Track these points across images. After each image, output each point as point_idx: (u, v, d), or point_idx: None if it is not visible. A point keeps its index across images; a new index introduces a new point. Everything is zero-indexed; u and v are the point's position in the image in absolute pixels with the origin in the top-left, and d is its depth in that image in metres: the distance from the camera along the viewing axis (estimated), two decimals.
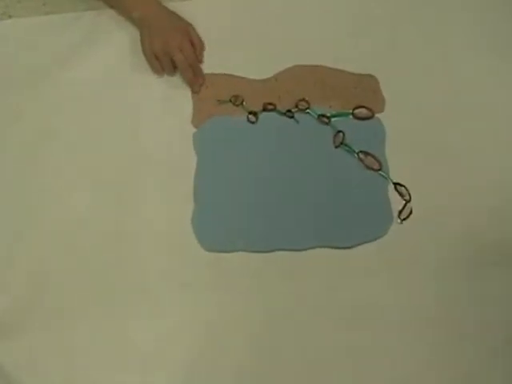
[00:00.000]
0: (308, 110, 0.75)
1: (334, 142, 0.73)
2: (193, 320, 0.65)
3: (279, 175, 0.71)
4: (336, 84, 0.76)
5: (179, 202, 0.70)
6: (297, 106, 0.75)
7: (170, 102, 0.77)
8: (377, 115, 0.74)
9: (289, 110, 0.75)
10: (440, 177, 0.70)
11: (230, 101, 0.76)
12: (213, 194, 0.71)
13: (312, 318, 0.65)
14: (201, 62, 0.79)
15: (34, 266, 0.69)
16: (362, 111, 0.74)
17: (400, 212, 0.69)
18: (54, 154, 0.74)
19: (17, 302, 0.67)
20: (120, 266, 0.68)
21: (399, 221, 0.68)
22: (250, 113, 0.75)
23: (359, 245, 0.67)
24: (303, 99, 0.75)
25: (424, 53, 0.78)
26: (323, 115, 0.74)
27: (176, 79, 0.78)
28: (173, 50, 0.75)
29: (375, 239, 0.67)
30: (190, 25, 0.79)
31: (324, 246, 0.67)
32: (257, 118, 0.75)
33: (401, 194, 0.70)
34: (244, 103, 0.76)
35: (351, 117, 0.74)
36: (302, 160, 0.72)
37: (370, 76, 0.76)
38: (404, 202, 0.69)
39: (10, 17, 0.84)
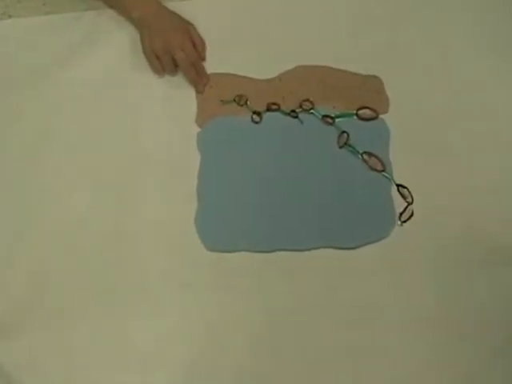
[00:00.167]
0: (312, 111, 0.75)
1: (338, 143, 0.73)
2: (193, 320, 0.65)
3: (283, 175, 0.71)
4: (340, 85, 0.76)
5: (180, 202, 0.70)
6: (301, 107, 0.75)
7: (171, 102, 0.76)
8: (381, 116, 0.74)
9: (293, 111, 0.75)
10: (444, 178, 0.70)
11: (234, 101, 0.76)
12: (216, 193, 0.71)
13: (313, 318, 0.65)
14: (203, 60, 0.78)
15: (34, 265, 0.69)
16: (366, 112, 0.74)
17: (401, 214, 0.69)
18: (53, 154, 0.74)
19: (17, 302, 0.67)
20: (120, 266, 0.68)
21: (399, 222, 0.68)
22: (254, 113, 0.75)
23: (363, 245, 0.67)
24: (307, 99, 0.75)
25: (424, 53, 0.78)
26: (327, 116, 0.74)
27: (177, 79, 0.78)
28: (174, 49, 0.75)
29: (378, 240, 0.67)
30: (191, 24, 0.79)
31: (327, 247, 0.67)
32: (261, 118, 0.75)
33: (403, 196, 0.70)
34: (248, 103, 0.76)
35: (355, 117, 0.74)
36: (306, 160, 0.72)
37: (375, 77, 0.76)
38: (406, 204, 0.69)
39: (10, 17, 0.84)
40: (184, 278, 0.67)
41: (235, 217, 0.70)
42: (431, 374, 0.62)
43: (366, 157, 0.72)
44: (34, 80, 0.79)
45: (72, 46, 0.80)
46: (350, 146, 0.72)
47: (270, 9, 0.82)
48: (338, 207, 0.69)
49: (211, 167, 0.72)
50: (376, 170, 0.71)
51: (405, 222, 0.68)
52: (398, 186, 0.70)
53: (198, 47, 0.78)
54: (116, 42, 0.80)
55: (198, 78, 0.76)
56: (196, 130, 0.75)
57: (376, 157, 0.72)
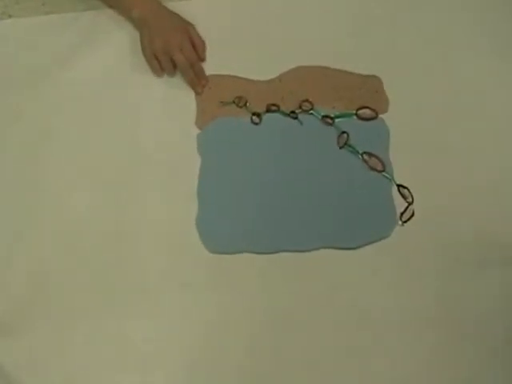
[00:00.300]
0: (312, 111, 0.74)
1: (338, 143, 0.73)
2: (193, 320, 0.65)
3: (283, 176, 0.71)
4: (340, 85, 0.76)
5: (180, 203, 0.70)
6: (300, 107, 0.75)
7: (171, 103, 0.76)
8: (381, 116, 0.74)
9: (292, 111, 0.75)
10: (444, 178, 0.70)
11: (234, 102, 0.76)
12: (217, 195, 0.71)
13: (313, 318, 0.65)
14: (203, 60, 0.78)
15: (34, 266, 0.69)
16: (366, 112, 0.74)
17: (402, 214, 0.69)
18: (53, 154, 0.74)
19: (17, 301, 0.67)
20: (120, 266, 0.68)
21: (400, 222, 0.68)
22: (254, 114, 0.75)
23: (363, 246, 0.67)
24: (307, 100, 0.75)
25: (424, 53, 0.78)
26: (327, 116, 0.74)
27: (177, 80, 0.78)
28: (172, 50, 0.75)
29: (379, 240, 0.67)
30: (191, 24, 0.79)
31: (328, 247, 0.67)
32: (260, 119, 0.75)
33: (403, 196, 0.70)
34: (248, 104, 0.75)
35: (355, 117, 0.74)
36: (306, 161, 0.72)
37: (374, 77, 0.76)
38: (406, 204, 0.69)
39: (9, 17, 0.84)
40: (184, 278, 0.67)
41: (236, 218, 0.70)
42: (431, 374, 0.62)
43: (366, 157, 0.72)
44: (34, 80, 0.79)
45: (72, 46, 0.80)
46: (350, 146, 0.72)
47: (270, 9, 0.82)
48: (338, 207, 0.69)
49: (211, 168, 0.72)
50: (376, 170, 0.71)
51: (406, 222, 0.68)
52: (398, 186, 0.70)
53: (197, 48, 0.78)
54: (116, 42, 0.80)
55: (196, 80, 0.76)
56: (196, 130, 0.75)
57: (376, 157, 0.72)
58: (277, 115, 0.75)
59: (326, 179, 0.71)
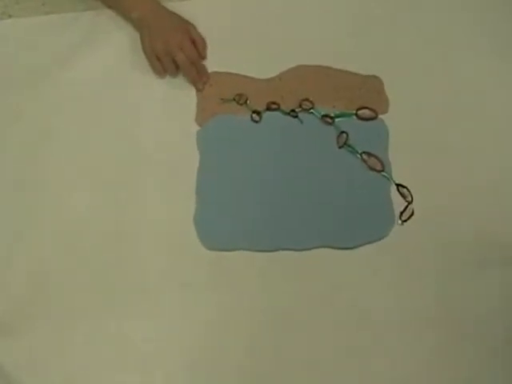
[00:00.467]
0: (312, 110, 0.74)
1: (338, 143, 0.73)
2: (193, 320, 0.65)
3: (282, 175, 0.71)
4: (340, 84, 0.76)
5: (180, 202, 0.70)
6: (300, 106, 0.75)
7: (171, 102, 0.76)
8: (380, 116, 0.74)
9: (292, 110, 0.75)
10: (443, 178, 0.70)
11: (234, 99, 0.76)
12: (216, 192, 0.71)
13: (312, 317, 0.65)
14: (204, 58, 0.78)
15: (34, 266, 0.69)
16: (366, 112, 0.74)
17: (401, 213, 0.69)
18: (53, 154, 0.74)
19: (17, 302, 0.67)
20: (120, 266, 0.68)
21: (400, 222, 0.68)
22: (254, 112, 0.75)
23: (361, 245, 0.67)
24: (307, 99, 0.75)
25: (424, 53, 0.78)
26: (327, 115, 0.74)
27: (177, 80, 0.78)
28: (174, 50, 0.75)
29: (377, 240, 0.67)
30: (191, 24, 0.79)
31: (327, 246, 0.67)
32: (260, 118, 0.75)
33: (403, 196, 0.70)
34: (248, 102, 0.76)
35: (355, 117, 0.74)
36: (306, 160, 0.72)
37: (375, 77, 0.76)
38: (406, 203, 0.69)
39: (9, 17, 0.84)
40: (184, 278, 0.67)
41: (234, 216, 0.70)
42: (431, 374, 0.62)
43: (365, 157, 0.72)
44: (34, 80, 0.79)
45: (72, 46, 0.80)
46: (349, 145, 0.72)
47: (270, 9, 0.82)
48: (337, 207, 0.69)
49: (210, 166, 0.72)
50: (375, 170, 0.71)
51: (405, 221, 0.68)
52: (397, 185, 0.70)
53: (198, 46, 0.77)
54: (115, 42, 0.80)
55: (198, 77, 0.76)
56: (196, 128, 0.75)
57: (375, 157, 0.72)
58: (277, 113, 0.75)
59: (325, 178, 0.71)
